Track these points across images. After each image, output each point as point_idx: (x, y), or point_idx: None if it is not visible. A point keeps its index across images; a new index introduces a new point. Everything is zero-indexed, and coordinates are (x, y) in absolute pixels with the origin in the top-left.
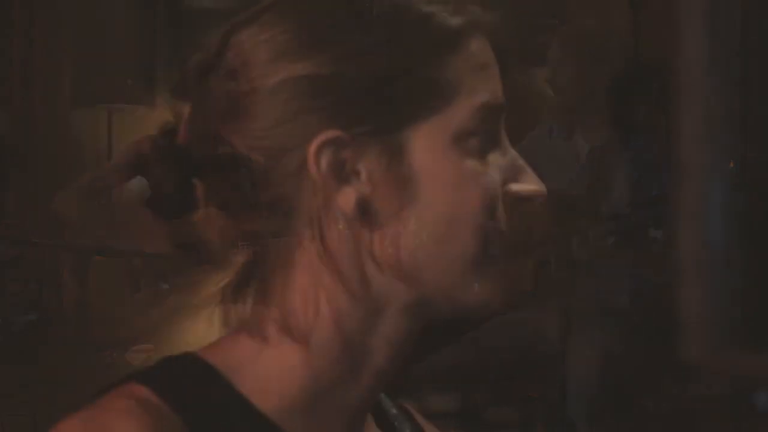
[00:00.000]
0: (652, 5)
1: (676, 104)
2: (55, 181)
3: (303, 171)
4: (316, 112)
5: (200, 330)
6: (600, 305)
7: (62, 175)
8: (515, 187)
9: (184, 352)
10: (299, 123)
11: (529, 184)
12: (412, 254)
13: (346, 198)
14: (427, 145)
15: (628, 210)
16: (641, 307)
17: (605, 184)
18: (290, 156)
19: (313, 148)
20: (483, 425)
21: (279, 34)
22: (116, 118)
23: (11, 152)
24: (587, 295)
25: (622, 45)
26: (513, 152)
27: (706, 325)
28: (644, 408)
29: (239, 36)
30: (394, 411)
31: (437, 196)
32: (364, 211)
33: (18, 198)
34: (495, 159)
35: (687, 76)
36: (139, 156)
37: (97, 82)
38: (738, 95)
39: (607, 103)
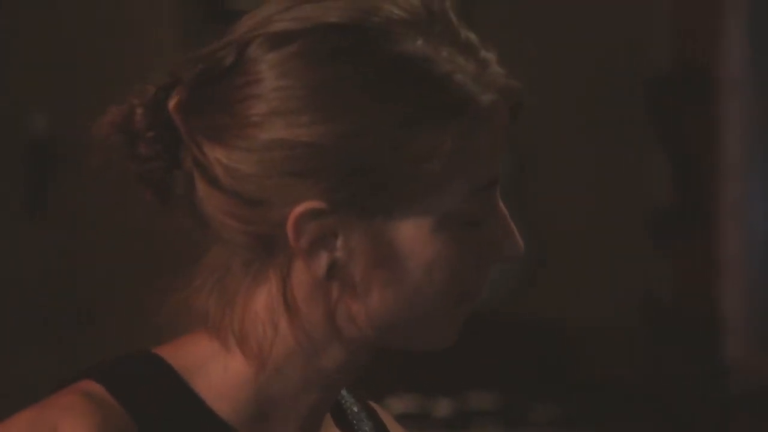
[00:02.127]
0: (694, 6)
1: (718, 103)
2: (99, 183)
3: (280, 225)
4: (304, 179)
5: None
6: (638, 305)
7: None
8: (498, 255)
9: (143, 350)
10: (287, 184)
11: (509, 250)
12: (376, 319)
13: (318, 261)
14: (410, 229)
15: (668, 208)
16: (682, 305)
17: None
18: (268, 209)
19: (294, 215)
20: (525, 423)
21: (295, 88)
22: None
23: (53, 156)
24: (627, 292)
25: (662, 45)
26: (502, 214)
27: (747, 324)
28: (684, 405)
29: (257, 56)
30: (355, 409)
31: (412, 275)
32: (335, 275)
33: (60, 200)
34: (480, 230)
35: (728, 75)
36: (129, 126)
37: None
38: None
39: (648, 103)
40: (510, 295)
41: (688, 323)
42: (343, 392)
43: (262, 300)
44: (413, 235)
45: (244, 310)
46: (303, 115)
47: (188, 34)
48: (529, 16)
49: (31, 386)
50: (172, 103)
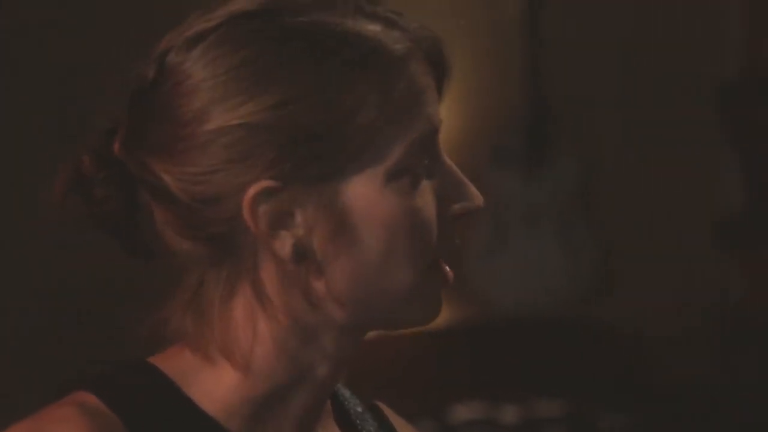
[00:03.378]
0: (766, 11)
1: None
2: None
3: (237, 217)
4: (250, 161)
5: None
6: (709, 311)
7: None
8: (454, 207)
9: (136, 358)
10: (233, 172)
11: (466, 201)
12: (347, 291)
13: (282, 243)
14: (361, 189)
15: (740, 213)
16: (754, 310)
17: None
18: (224, 203)
19: (247, 199)
20: (593, 431)
21: (218, 75)
22: None
23: None
24: (698, 298)
25: (735, 50)
26: (449, 166)
27: None
28: (757, 412)
29: (178, 60)
30: (359, 410)
31: (372, 237)
32: (300, 254)
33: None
34: (430, 183)
35: None
36: (79, 174)
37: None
38: None
39: (720, 110)
40: (578, 302)
41: (761, 329)
42: (346, 394)
43: (240, 306)
44: (365, 194)
45: (223, 322)
46: (231, 98)
47: None
48: (599, 19)
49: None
50: (116, 145)
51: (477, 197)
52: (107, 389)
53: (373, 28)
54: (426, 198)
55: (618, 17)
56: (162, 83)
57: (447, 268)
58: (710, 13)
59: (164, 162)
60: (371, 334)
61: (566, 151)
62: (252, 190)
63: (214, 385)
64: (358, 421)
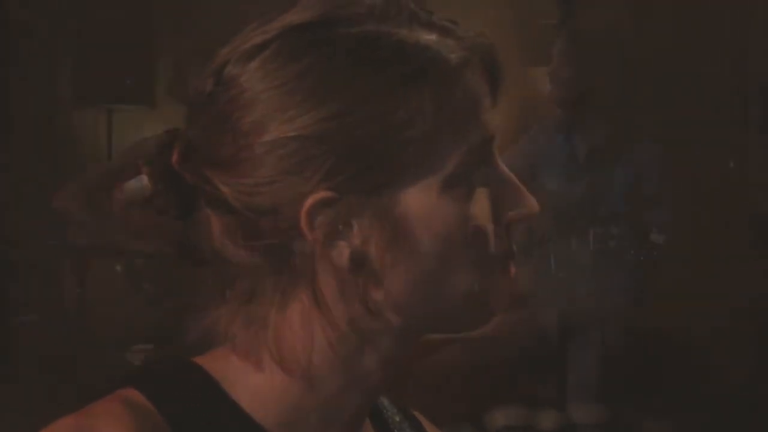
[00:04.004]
0: None
1: None
2: (55, 181)
3: (294, 228)
4: (306, 173)
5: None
6: (748, 312)
7: (62, 175)
8: (509, 214)
9: (183, 358)
10: (289, 183)
11: (522, 208)
12: (405, 299)
13: (339, 253)
14: (417, 198)
15: None
16: None
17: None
18: (281, 214)
19: (304, 209)
20: None
21: (275, 88)
22: (116, 118)
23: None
24: (737, 302)
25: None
26: (505, 172)
27: None
28: None
29: (235, 72)
30: (397, 419)
31: (429, 245)
32: (358, 263)
33: (17, 198)
34: (486, 189)
35: None
36: (136, 166)
37: (97, 82)
38: None
39: (759, 110)
40: (617, 307)
41: None
42: (385, 402)
43: (296, 314)
44: (421, 204)
45: (278, 328)
46: (288, 110)
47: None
48: (639, 19)
49: None
50: (174, 157)
51: (533, 204)
52: (152, 386)
53: (428, 37)
54: (481, 205)
55: (660, 17)
56: (219, 95)
57: (512, 271)
58: (752, 12)
59: (222, 173)
60: None
61: (604, 152)
62: (309, 201)
63: (260, 388)
64: (395, 431)
